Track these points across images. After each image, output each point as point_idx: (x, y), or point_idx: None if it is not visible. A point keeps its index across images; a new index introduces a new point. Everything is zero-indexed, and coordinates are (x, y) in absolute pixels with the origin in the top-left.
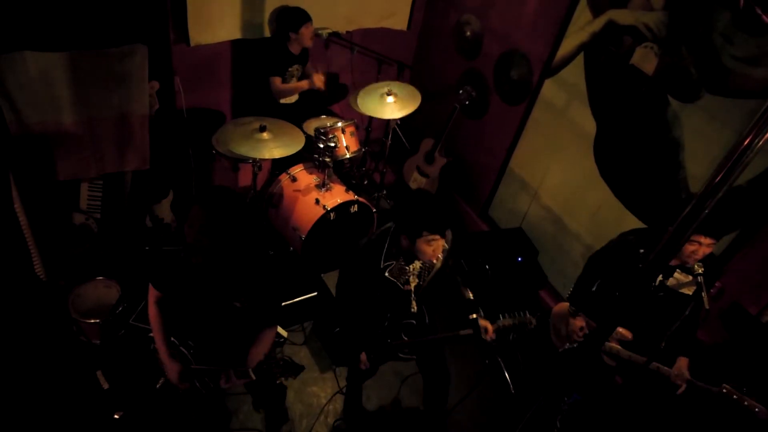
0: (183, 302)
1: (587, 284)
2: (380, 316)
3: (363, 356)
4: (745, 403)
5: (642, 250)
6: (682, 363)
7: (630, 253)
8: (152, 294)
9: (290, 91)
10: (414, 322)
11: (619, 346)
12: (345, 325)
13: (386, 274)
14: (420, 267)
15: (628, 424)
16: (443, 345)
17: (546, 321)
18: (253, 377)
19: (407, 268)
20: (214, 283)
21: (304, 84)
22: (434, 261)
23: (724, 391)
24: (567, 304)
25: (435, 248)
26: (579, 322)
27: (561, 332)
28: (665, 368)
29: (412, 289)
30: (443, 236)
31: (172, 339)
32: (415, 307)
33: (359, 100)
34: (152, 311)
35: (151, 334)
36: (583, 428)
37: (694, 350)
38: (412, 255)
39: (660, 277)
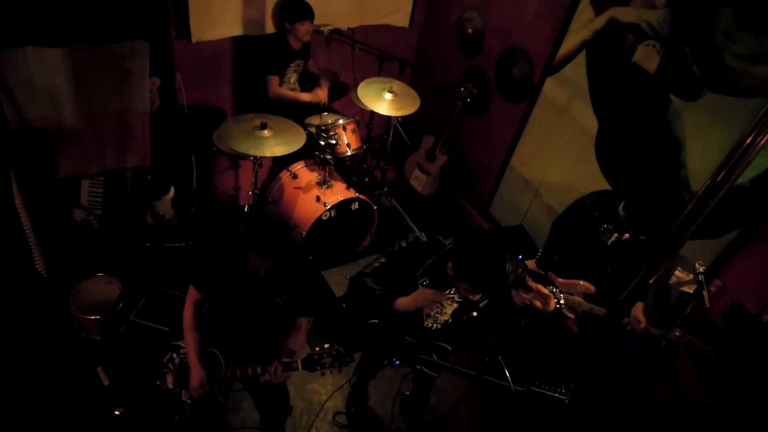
0: (225, 304)
1: (552, 248)
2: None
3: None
4: (696, 343)
5: (597, 213)
6: (638, 308)
7: (586, 217)
8: (191, 295)
9: (288, 97)
10: (450, 348)
11: (581, 299)
12: (383, 316)
13: (419, 283)
14: (458, 297)
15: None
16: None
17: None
18: (300, 368)
19: (447, 291)
20: (261, 284)
21: (305, 96)
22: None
23: (677, 333)
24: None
25: (471, 295)
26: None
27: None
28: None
29: (448, 313)
30: (481, 295)
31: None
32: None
33: (360, 90)
34: (188, 312)
35: (173, 342)
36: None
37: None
38: (450, 282)
39: (615, 235)
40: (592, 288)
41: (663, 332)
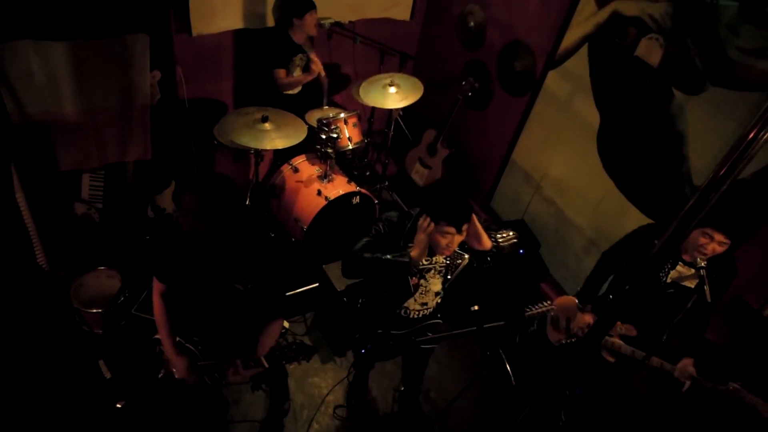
0: (187, 292)
1: (598, 280)
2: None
3: None
4: (753, 402)
5: (656, 241)
6: (688, 360)
7: (642, 244)
8: (156, 287)
9: (295, 83)
10: (441, 321)
11: (621, 341)
12: (368, 296)
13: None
14: (444, 262)
15: (632, 420)
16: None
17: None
18: (266, 365)
19: (429, 260)
20: (215, 267)
21: (308, 76)
22: (456, 258)
23: (731, 389)
24: (572, 297)
25: (449, 242)
26: (587, 318)
27: (561, 325)
28: (669, 364)
29: (434, 291)
30: (459, 231)
31: (178, 338)
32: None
33: (361, 91)
34: (156, 305)
35: (156, 336)
36: (588, 422)
37: (702, 349)
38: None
39: (674, 272)
40: (634, 331)
41: (715, 384)
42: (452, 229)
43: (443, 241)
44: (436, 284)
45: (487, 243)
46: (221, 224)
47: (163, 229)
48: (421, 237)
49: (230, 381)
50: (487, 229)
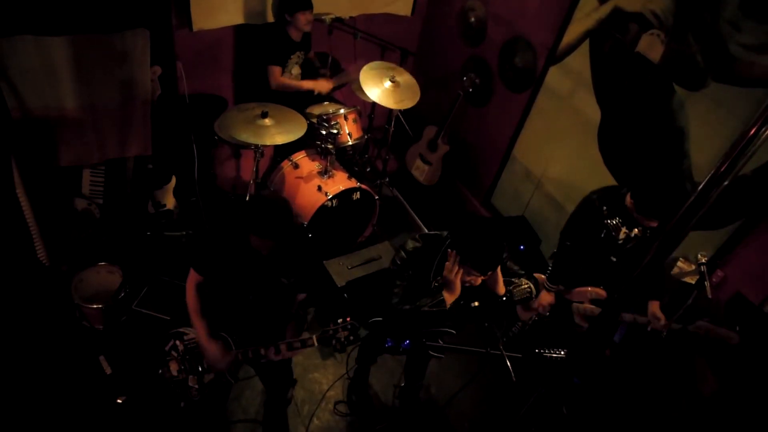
0: (228, 285)
1: (562, 258)
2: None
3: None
4: (720, 333)
5: (605, 207)
6: (654, 306)
7: (594, 212)
8: (192, 278)
9: (290, 86)
10: (454, 332)
11: (592, 306)
12: (388, 316)
13: (432, 286)
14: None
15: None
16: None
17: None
18: (316, 343)
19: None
20: (270, 265)
21: (307, 84)
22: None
23: (699, 325)
24: (541, 275)
25: (472, 281)
26: (548, 297)
27: (531, 305)
28: (641, 317)
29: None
30: (484, 275)
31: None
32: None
33: (362, 73)
34: (191, 294)
35: (186, 331)
36: (590, 413)
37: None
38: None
39: (625, 231)
40: (603, 293)
41: (685, 325)
42: (479, 275)
43: (466, 278)
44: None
45: (501, 290)
46: (286, 239)
47: (164, 224)
48: (450, 281)
49: (271, 359)
50: (508, 272)
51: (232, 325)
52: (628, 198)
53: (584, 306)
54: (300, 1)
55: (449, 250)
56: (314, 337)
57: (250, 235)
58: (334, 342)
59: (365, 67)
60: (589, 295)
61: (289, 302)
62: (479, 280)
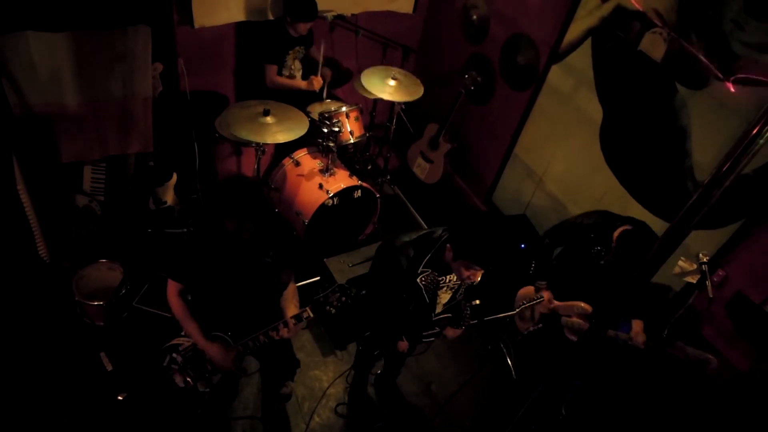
0: (212, 284)
1: (547, 256)
2: (402, 319)
3: (403, 344)
4: (696, 355)
5: (592, 235)
6: (637, 325)
7: (581, 237)
8: (172, 288)
9: (284, 85)
10: (451, 315)
11: (580, 321)
12: (374, 324)
13: (418, 280)
14: (456, 281)
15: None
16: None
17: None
18: (312, 315)
19: (442, 278)
20: (248, 250)
21: (301, 83)
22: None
23: (677, 347)
24: (531, 287)
25: (472, 275)
26: (546, 295)
27: (525, 315)
28: (623, 333)
29: (442, 303)
30: (485, 269)
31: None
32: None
33: (363, 78)
34: (176, 303)
35: (180, 342)
36: (588, 415)
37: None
38: (448, 267)
39: (606, 258)
40: (589, 308)
41: (665, 346)
42: (479, 269)
43: (465, 272)
44: (445, 298)
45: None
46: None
47: (165, 221)
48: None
49: (284, 336)
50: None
51: (225, 322)
52: (615, 234)
53: (572, 320)
54: (305, 14)
55: (447, 245)
56: (308, 308)
57: (227, 222)
58: (328, 308)
59: (365, 75)
60: (576, 309)
61: (277, 282)
62: (479, 276)
